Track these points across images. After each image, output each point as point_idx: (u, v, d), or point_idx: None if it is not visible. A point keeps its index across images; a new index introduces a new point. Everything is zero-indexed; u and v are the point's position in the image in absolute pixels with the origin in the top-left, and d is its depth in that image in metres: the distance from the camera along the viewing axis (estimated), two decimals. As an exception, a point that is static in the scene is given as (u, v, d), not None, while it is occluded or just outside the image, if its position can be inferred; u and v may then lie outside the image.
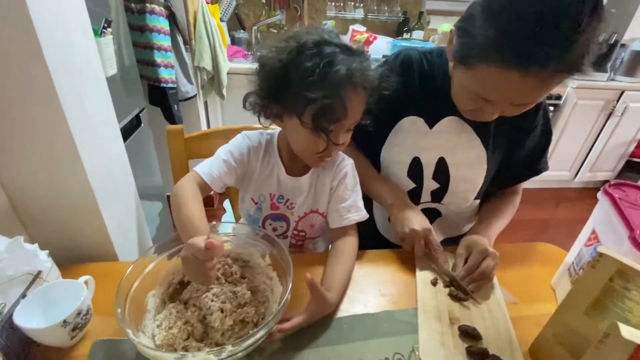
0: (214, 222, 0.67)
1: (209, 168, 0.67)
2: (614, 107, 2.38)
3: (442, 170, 0.77)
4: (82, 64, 0.66)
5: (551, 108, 2.30)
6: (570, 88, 2.31)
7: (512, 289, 0.68)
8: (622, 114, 2.40)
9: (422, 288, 0.67)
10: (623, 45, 2.31)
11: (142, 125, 1.39)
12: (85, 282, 0.56)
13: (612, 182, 0.58)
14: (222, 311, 0.54)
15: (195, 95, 1.86)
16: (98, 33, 0.92)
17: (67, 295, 0.53)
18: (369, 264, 0.74)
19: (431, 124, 0.75)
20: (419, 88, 0.74)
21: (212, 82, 1.93)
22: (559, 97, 2.31)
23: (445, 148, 0.75)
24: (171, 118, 1.68)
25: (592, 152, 2.58)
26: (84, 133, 0.64)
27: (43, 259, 0.55)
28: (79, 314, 0.51)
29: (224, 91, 1.95)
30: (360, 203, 0.74)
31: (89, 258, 0.71)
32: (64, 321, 0.49)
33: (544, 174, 0.82)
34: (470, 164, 0.76)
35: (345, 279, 0.65)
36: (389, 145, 0.79)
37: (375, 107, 0.64)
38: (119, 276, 0.68)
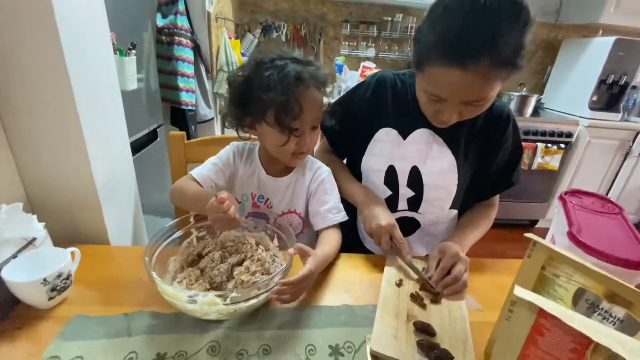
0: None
1: (201, 170, 0.78)
2: (630, 147, 2.32)
3: (415, 179, 0.81)
4: (99, 78, 0.78)
5: (562, 145, 2.28)
6: (581, 126, 2.30)
7: (480, 297, 0.68)
8: (640, 154, 2.33)
9: (386, 287, 0.68)
10: (634, 87, 2.31)
11: (159, 139, 1.52)
12: (72, 253, 0.62)
13: (568, 190, 0.60)
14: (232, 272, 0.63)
15: (212, 119, 2.02)
16: (123, 53, 1.07)
17: (53, 262, 0.58)
18: (340, 265, 0.76)
19: (404, 135, 0.80)
20: (392, 103, 0.81)
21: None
22: (570, 135, 2.30)
23: (417, 157, 0.80)
24: (188, 138, 1.82)
25: (611, 193, 2.48)
26: (93, 132, 0.74)
27: (38, 228, 0.62)
28: (59, 276, 0.56)
29: (239, 116, 2.09)
30: (340, 205, 0.79)
31: (84, 241, 0.78)
32: (44, 279, 0.54)
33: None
34: (441, 172, 0.79)
35: (327, 252, 0.70)
36: (368, 154, 0.85)
37: (340, 110, 0.74)
38: (108, 259, 0.75)
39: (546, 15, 2.62)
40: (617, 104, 2.32)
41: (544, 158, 2.28)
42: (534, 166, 2.29)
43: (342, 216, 0.78)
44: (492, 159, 0.80)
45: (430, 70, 0.61)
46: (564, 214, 0.54)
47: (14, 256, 0.57)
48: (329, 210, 0.77)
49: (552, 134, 2.28)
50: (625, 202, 2.52)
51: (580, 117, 2.35)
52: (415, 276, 0.71)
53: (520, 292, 0.35)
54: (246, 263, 0.64)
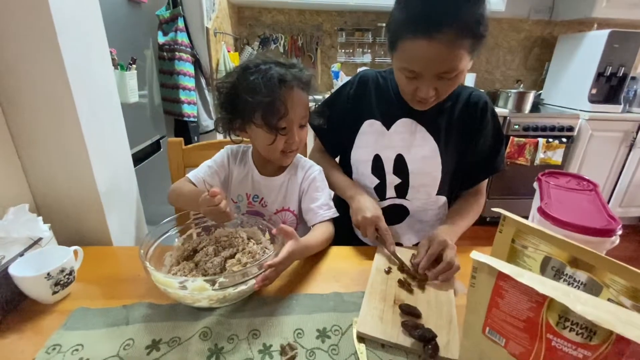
0: None
1: (197, 172, 0.83)
2: (634, 138, 2.30)
3: (401, 166, 0.84)
4: (100, 91, 0.83)
5: (564, 140, 2.27)
6: (582, 120, 2.29)
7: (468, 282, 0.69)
8: (645, 145, 2.30)
9: (375, 274, 0.70)
10: (634, 78, 2.30)
11: (162, 149, 1.58)
12: (75, 252, 0.66)
13: (546, 172, 0.62)
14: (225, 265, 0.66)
15: (214, 129, 2.08)
16: (124, 68, 1.13)
17: (57, 259, 0.62)
18: (331, 256, 0.78)
19: (388, 125, 0.84)
20: (375, 96, 0.85)
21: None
22: (570, 129, 2.29)
23: (401, 146, 0.83)
24: (190, 147, 1.89)
25: (618, 185, 2.45)
26: (95, 141, 0.78)
27: (43, 228, 0.66)
28: (62, 271, 0.60)
29: (240, 126, 2.16)
30: (331, 202, 0.83)
31: (88, 243, 0.82)
32: (48, 274, 0.58)
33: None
34: (424, 158, 0.82)
35: (317, 239, 0.73)
36: (355, 147, 0.89)
37: (327, 110, 0.77)
38: (109, 258, 0.79)
39: (540, 13, 2.65)
40: (617, 96, 2.31)
41: (546, 153, 2.27)
42: (537, 161, 2.28)
43: (333, 212, 0.81)
44: (473, 145, 0.82)
45: (402, 45, 0.66)
46: (539, 192, 0.56)
47: (21, 254, 0.62)
48: (320, 206, 0.80)
49: (552, 128, 2.27)
50: (633, 195, 2.47)
51: (580, 110, 2.34)
52: (406, 262, 0.72)
53: (478, 256, 0.37)
54: (238, 255, 0.67)
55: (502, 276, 0.35)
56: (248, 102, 0.69)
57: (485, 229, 1.41)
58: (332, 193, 0.88)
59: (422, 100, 0.72)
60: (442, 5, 0.60)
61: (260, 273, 0.58)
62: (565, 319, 0.33)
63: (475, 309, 0.39)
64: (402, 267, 0.71)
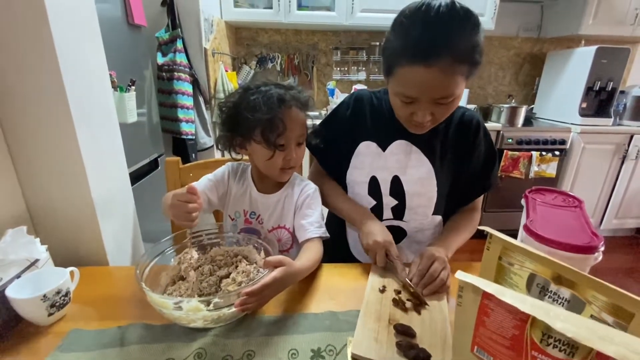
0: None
1: (196, 184, 0.83)
2: (626, 150, 2.34)
3: (397, 187, 0.85)
4: (98, 112, 0.85)
5: (557, 153, 2.30)
6: (574, 133, 2.33)
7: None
8: (637, 157, 2.34)
9: (370, 293, 0.70)
10: (622, 92, 2.36)
11: (159, 167, 1.60)
12: (71, 273, 0.67)
13: (533, 188, 0.63)
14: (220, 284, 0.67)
15: (212, 146, 2.11)
16: (124, 89, 1.16)
17: (54, 281, 0.63)
18: (326, 274, 0.79)
19: (383, 147, 0.86)
20: (370, 117, 0.87)
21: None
22: (563, 142, 2.33)
23: (397, 167, 0.85)
24: (188, 165, 1.91)
25: (613, 197, 2.47)
26: (93, 161, 0.80)
27: (40, 250, 0.67)
28: (58, 292, 0.61)
29: (237, 142, 2.18)
30: (322, 221, 0.83)
31: (86, 263, 0.83)
32: (44, 295, 0.59)
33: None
34: (420, 179, 0.84)
35: (308, 261, 0.71)
36: (352, 168, 0.90)
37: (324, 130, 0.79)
38: (105, 278, 0.79)
39: (528, 31, 2.73)
40: (607, 109, 2.36)
41: (540, 166, 2.30)
42: (532, 174, 2.31)
43: (323, 232, 0.80)
44: (467, 164, 0.84)
45: (399, 71, 0.68)
46: (525, 209, 0.58)
47: (18, 276, 0.62)
48: (311, 223, 0.80)
49: (545, 142, 2.31)
50: (629, 206, 2.49)
51: (572, 124, 2.38)
52: (401, 284, 0.72)
53: (462, 275, 0.38)
54: (232, 275, 0.68)
55: (486, 295, 0.36)
56: (248, 119, 0.72)
57: (481, 242, 1.41)
58: (325, 213, 0.89)
59: (418, 125, 0.74)
60: (440, 33, 0.62)
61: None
62: (549, 336, 0.34)
63: (464, 328, 0.40)
64: (404, 287, 0.71)
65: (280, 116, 0.72)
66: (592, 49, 2.26)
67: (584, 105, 2.36)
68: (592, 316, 0.39)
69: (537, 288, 0.43)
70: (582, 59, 2.35)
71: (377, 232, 0.78)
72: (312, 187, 0.86)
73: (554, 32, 2.62)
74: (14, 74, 0.70)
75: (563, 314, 0.32)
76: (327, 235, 0.81)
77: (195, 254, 0.74)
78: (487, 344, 0.38)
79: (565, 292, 0.40)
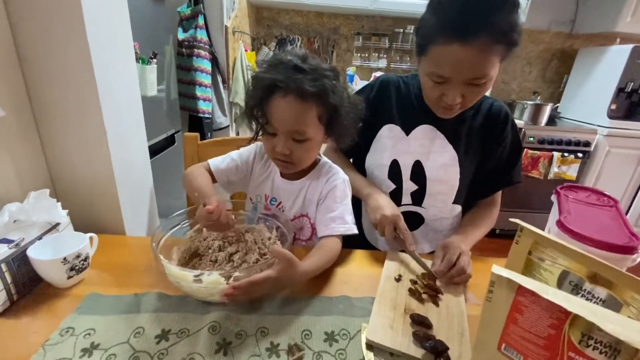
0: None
1: (220, 161, 0.80)
2: (654, 157, 2.24)
3: (418, 173, 0.83)
4: (122, 83, 0.84)
5: (580, 155, 2.23)
6: (600, 135, 2.24)
7: (480, 293, 0.68)
8: (664, 164, 2.25)
9: (385, 281, 0.69)
10: (655, 95, 2.25)
11: (176, 144, 1.61)
12: (90, 238, 0.67)
13: (565, 185, 0.61)
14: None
15: (228, 126, 2.10)
16: (145, 61, 1.15)
17: (73, 244, 0.64)
18: (341, 259, 0.77)
19: (407, 131, 0.83)
20: (395, 101, 0.85)
21: (244, 116, 2.17)
22: (587, 144, 2.25)
23: (420, 152, 0.82)
24: (203, 143, 1.91)
25: (634, 204, 2.39)
26: (115, 131, 0.80)
27: (62, 214, 0.68)
28: (77, 256, 0.61)
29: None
30: (349, 217, 0.75)
31: (103, 231, 0.84)
32: (64, 258, 0.59)
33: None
34: (443, 166, 0.81)
35: (318, 261, 0.66)
36: (372, 151, 0.88)
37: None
38: (122, 247, 0.80)
39: (561, 25, 2.61)
40: (638, 113, 2.26)
41: (561, 167, 2.23)
42: (551, 175, 2.24)
43: (346, 229, 0.73)
44: (492, 155, 0.82)
45: (434, 50, 0.66)
46: (557, 205, 0.55)
47: (39, 238, 0.63)
48: (333, 219, 0.73)
49: (568, 143, 2.24)
50: (651, 214, 2.41)
51: (598, 126, 2.29)
52: (417, 270, 0.71)
53: (498, 270, 0.36)
54: (240, 254, 0.66)
55: (521, 291, 0.35)
56: (248, 99, 0.70)
57: (492, 240, 1.38)
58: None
59: (447, 107, 0.71)
60: (478, 11, 0.60)
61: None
62: (589, 337, 0.32)
63: (490, 324, 0.39)
64: (422, 274, 0.70)
65: (265, 104, 0.66)
66: (628, 47, 2.15)
67: (614, 107, 2.26)
68: (629, 318, 0.37)
69: (570, 286, 0.41)
70: (615, 58, 2.24)
71: (385, 205, 0.76)
72: (340, 178, 0.78)
73: (588, 28, 2.50)
74: (42, 43, 0.70)
75: (611, 315, 0.30)
76: (354, 231, 0.74)
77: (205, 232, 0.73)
78: (518, 342, 0.36)
79: (602, 292, 0.38)
